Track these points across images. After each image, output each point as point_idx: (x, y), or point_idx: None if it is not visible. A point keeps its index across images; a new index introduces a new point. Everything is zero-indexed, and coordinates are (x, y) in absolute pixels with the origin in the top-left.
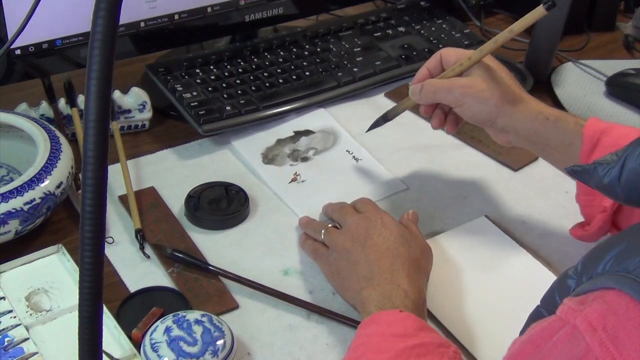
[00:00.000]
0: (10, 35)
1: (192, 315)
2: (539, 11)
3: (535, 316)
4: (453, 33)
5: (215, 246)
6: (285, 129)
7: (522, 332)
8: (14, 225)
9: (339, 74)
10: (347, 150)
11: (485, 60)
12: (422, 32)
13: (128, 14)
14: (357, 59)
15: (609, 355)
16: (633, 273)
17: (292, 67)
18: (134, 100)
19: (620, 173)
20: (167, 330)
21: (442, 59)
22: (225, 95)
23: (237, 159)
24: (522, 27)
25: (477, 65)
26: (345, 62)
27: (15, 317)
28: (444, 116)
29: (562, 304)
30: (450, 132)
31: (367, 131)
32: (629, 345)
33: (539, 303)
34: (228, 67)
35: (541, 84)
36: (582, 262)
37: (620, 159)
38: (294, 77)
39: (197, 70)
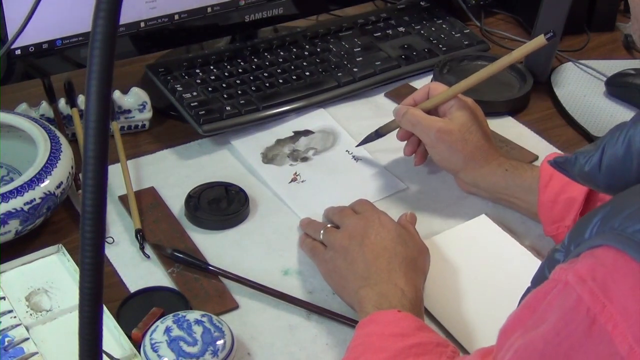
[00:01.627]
0: (10, 35)
1: (192, 315)
2: (539, 40)
3: (526, 295)
4: (453, 33)
5: (215, 246)
6: (284, 129)
7: None
8: (14, 225)
9: (339, 74)
10: (346, 150)
11: (471, 105)
12: (422, 32)
13: (128, 14)
14: (357, 59)
15: (599, 303)
16: (618, 229)
17: (292, 67)
18: (134, 100)
19: (601, 160)
20: (167, 330)
21: (430, 92)
22: (225, 95)
23: (236, 159)
24: (522, 55)
25: (463, 110)
26: (345, 62)
27: (15, 317)
28: (417, 146)
29: (553, 270)
30: (417, 164)
31: (357, 145)
32: (617, 292)
33: (529, 284)
34: (228, 67)
35: (541, 84)
36: (569, 236)
37: (600, 147)
38: (294, 77)
39: (197, 70)
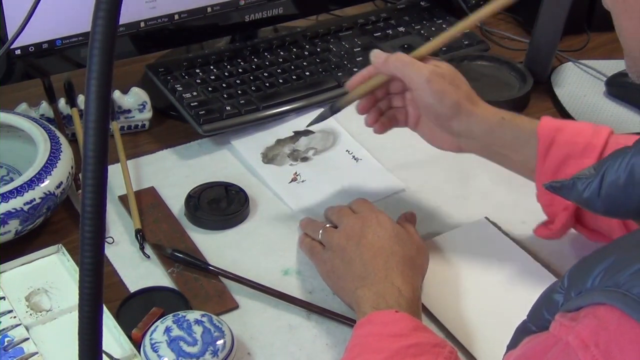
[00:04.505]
0: (10, 35)
1: (192, 315)
2: None
3: (523, 330)
4: None
5: (215, 246)
6: (285, 129)
7: (510, 345)
8: (14, 225)
9: (339, 74)
10: (347, 150)
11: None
12: (422, 32)
13: (128, 14)
14: (357, 59)
15: None
16: (623, 288)
17: (292, 67)
18: (134, 100)
19: (600, 187)
20: (167, 330)
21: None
22: (225, 95)
23: (237, 159)
24: (490, 11)
25: (444, 63)
26: (345, 62)
27: (15, 317)
28: (380, 115)
29: (554, 320)
30: (380, 131)
31: (308, 125)
32: None
33: (525, 317)
34: (228, 67)
35: (541, 84)
36: (569, 277)
37: (599, 173)
38: (294, 77)
39: (197, 70)
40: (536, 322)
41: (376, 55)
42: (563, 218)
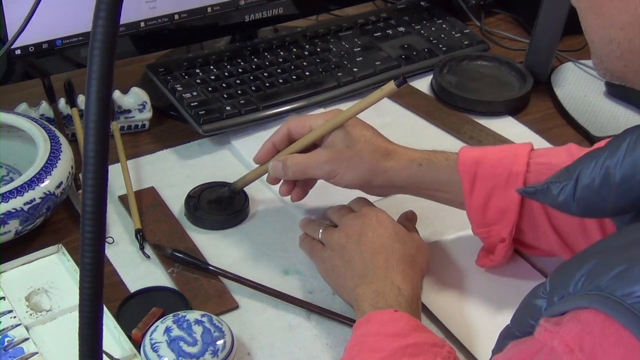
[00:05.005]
0: (10, 35)
1: (192, 315)
2: (389, 87)
3: (507, 335)
4: (453, 33)
5: (215, 246)
6: None
7: (495, 350)
8: (14, 225)
9: (339, 74)
10: None
11: (339, 122)
12: (422, 32)
13: (128, 14)
14: (357, 59)
15: None
16: (605, 291)
17: (292, 67)
18: (134, 100)
19: (575, 190)
20: (167, 330)
21: (289, 132)
22: (225, 95)
23: (237, 159)
24: (369, 104)
25: (334, 132)
26: (345, 62)
27: (15, 317)
28: (293, 185)
29: (538, 325)
30: (295, 199)
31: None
32: None
33: (509, 322)
34: (228, 67)
35: (541, 84)
36: (551, 282)
37: (573, 177)
38: (294, 77)
39: (197, 70)
40: (520, 327)
41: (273, 169)
42: (502, 250)
